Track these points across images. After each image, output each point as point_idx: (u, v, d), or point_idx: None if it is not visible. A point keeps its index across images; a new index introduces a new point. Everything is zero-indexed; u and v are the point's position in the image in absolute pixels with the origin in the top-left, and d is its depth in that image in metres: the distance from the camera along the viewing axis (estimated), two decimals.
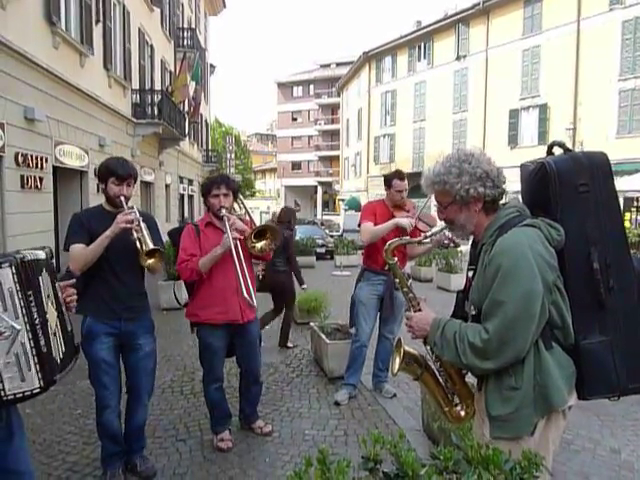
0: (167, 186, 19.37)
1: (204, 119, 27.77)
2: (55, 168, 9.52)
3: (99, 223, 2.77)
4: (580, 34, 20.97)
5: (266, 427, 3.64)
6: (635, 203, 18.71)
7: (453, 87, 27.49)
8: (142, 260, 2.66)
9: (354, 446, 3.40)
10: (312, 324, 5.50)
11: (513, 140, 24.16)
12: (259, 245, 3.15)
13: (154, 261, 2.69)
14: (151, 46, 16.18)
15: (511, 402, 1.62)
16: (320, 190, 49.72)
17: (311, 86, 51.03)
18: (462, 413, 1.96)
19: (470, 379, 1.93)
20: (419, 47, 29.74)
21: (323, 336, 4.93)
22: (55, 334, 1.82)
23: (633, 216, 18.74)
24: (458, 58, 26.96)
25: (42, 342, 1.71)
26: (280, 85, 52.32)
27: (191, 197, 25.39)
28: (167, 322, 7.24)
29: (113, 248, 2.72)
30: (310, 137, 51.65)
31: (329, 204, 49.65)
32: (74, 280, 2.04)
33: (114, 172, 2.75)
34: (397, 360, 2.01)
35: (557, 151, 1.88)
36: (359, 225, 4.16)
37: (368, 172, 34.38)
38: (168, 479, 3.01)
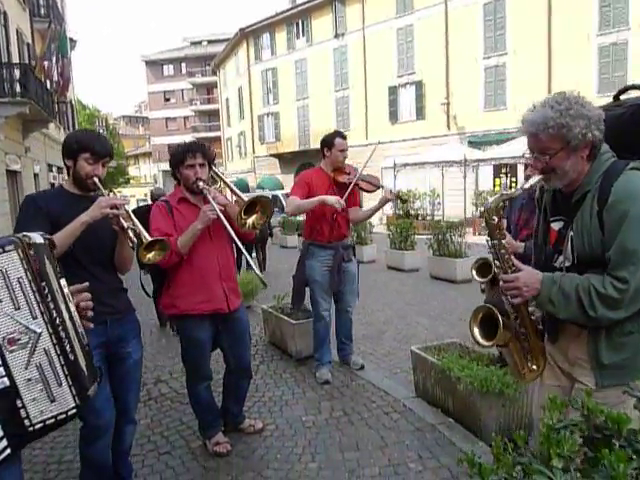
0: (36, 175, 17.07)
1: (69, 100, 24.82)
2: None
3: (63, 206, 2.23)
4: (448, 15, 22.42)
5: (257, 424, 3.29)
6: (503, 169, 20.80)
7: (333, 65, 27.89)
8: (141, 255, 2.21)
9: (361, 425, 3.24)
10: (265, 307, 5.18)
11: (394, 116, 25.30)
12: (250, 221, 2.78)
13: (154, 254, 2.26)
14: (4, 13, 13.86)
15: (627, 347, 1.62)
16: None
17: (183, 64, 48.37)
18: (534, 367, 1.91)
19: None
20: (297, 24, 29.56)
21: (285, 317, 4.66)
22: (75, 340, 1.42)
23: (502, 181, 20.83)
24: (337, 36, 27.32)
25: (68, 347, 1.33)
26: (148, 63, 48.75)
27: None
28: None
29: (81, 240, 2.18)
30: (186, 118, 49.16)
31: None
32: (87, 284, 1.59)
33: (89, 147, 2.23)
34: (476, 330, 1.86)
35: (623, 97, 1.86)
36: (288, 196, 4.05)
37: (254, 152, 33.76)
38: None
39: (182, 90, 48.58)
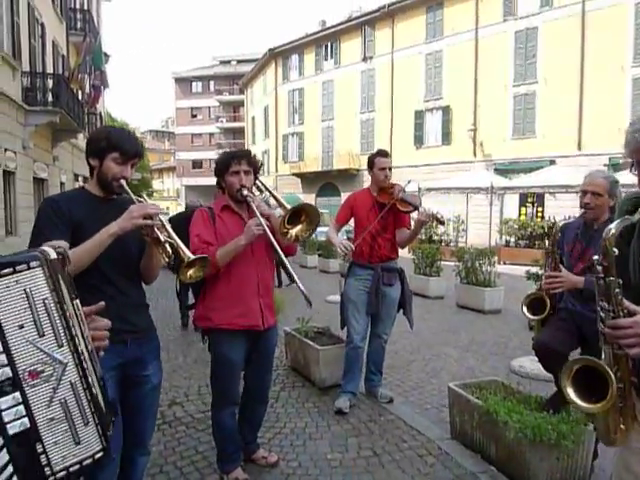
0: (62, 184, 17.27)
1: (99, 112, 25.34)
2: None
3: (86, 210, 2.00)
4: (478, 42, 22.38)
5: (271, 457, 3.04)
6: (530, 199, 20.38)
7: (360, 87, 27.98)
8: (182, 273, 2.01)
9: (392, 467, 2.94)
10: (288, 329, 4.93)
11: (419, 140, 25.14)
12: (294, 231, 2.59)
13: (195, 271, 2.06)
14: (42, 24, 14.20)
15: None
16: None
17: (211, 82, 49.34)
18: (622, 427, 1.60)
19: None
20: (326, 47, 29.88)
21: (309, 342, 4.39)
22: (93, 372, 1.18)
23: (528, 210, 20.39)
24: (365, 59, 27.49)
25: (90, 379, 1.10)
26: (178, 80, 49.84)
27: None
28: None
29: (105, 250, 1.95)
30: (211, 135, 49.93)
31: None
32: (102, 303, 1.34)
33: (119, 146, 2.01)
34: (570, 390, 1.53)
35: None
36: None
37: (277, 171, 33.89)
38: None
39: (209, 107, 49.43)
